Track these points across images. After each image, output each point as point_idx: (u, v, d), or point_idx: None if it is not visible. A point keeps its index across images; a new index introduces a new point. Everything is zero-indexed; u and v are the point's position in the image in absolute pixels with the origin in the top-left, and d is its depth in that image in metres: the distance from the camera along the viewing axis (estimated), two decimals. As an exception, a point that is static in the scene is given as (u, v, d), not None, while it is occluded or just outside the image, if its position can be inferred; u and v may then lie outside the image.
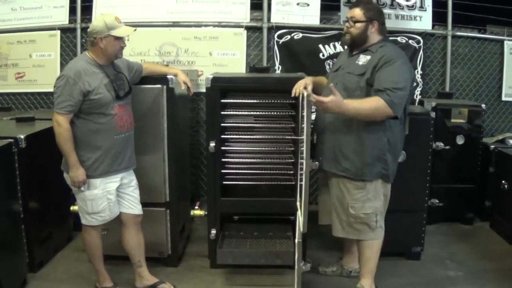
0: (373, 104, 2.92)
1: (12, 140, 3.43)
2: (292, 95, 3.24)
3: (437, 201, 4.52)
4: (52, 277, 3.67)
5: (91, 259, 3.35)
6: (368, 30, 3.14)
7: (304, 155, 2.75)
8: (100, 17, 3.08)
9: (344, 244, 3.65)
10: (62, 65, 5.01)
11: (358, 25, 3.13)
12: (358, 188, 3.13)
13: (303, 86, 3.19)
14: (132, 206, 3.32)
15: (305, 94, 2.89)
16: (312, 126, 3.35)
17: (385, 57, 3.00)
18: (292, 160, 3.73)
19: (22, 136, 3.50)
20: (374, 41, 3.16)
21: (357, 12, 3.14)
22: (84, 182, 3.04)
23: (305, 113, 2.82)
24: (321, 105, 2.88)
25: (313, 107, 3.04)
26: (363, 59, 3.12)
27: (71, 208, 3.59)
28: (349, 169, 3.11)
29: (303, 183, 2.89)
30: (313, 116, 3.29)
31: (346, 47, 3.35)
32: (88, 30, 3.07)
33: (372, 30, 3.15)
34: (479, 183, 4.72)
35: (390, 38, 4.95)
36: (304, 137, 2.83)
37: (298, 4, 5.01)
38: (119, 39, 3.06)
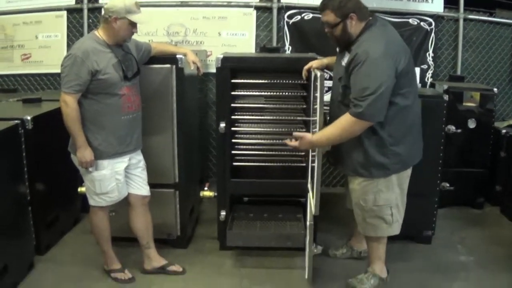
0: (342, 124, 2.74)
1: (18, 122, 3.39)
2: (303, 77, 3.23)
3: (447, 184, 4.44)
4: (59, 259, 3.65)
5: (98, 241, 3.33)
6: (348, 27, 2.83)
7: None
8: None
9: (354, 225, 3.58)
10: (69, 46, 4.96)
11: (337, 28, 2.86)
12: (368, 180, 2.99)
13: (310, 66, 3.22)
14: (140, 187, 3.30)
15: (318, 74, 2.84)
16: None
17: (357, 56, 2.71)
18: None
19: (29, 117, 3.46)
20: (357, 32, 2.86)
21: (329, 16, 2.86)
22: (91, 162, 3.00)
23: (318, 94, 2.76)
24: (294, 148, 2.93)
25: (325, 87, 2.97)
26: (346, 58, 2.89)
27: (79, 190, 3.56)
28: (356, 169, 2.99)
29: (315, 165, 2.85)
30: (326, 97, 3.09)
31: None
32: (106, 6, 2.97)
33: (352, 24, 2.83)
34: (490, 167, 4.66)
35: (402, 20, 4.90)
36: (317, 117, 2.78)
37: (308, -16, 4.92)
38: (133, 24, 3.00)
